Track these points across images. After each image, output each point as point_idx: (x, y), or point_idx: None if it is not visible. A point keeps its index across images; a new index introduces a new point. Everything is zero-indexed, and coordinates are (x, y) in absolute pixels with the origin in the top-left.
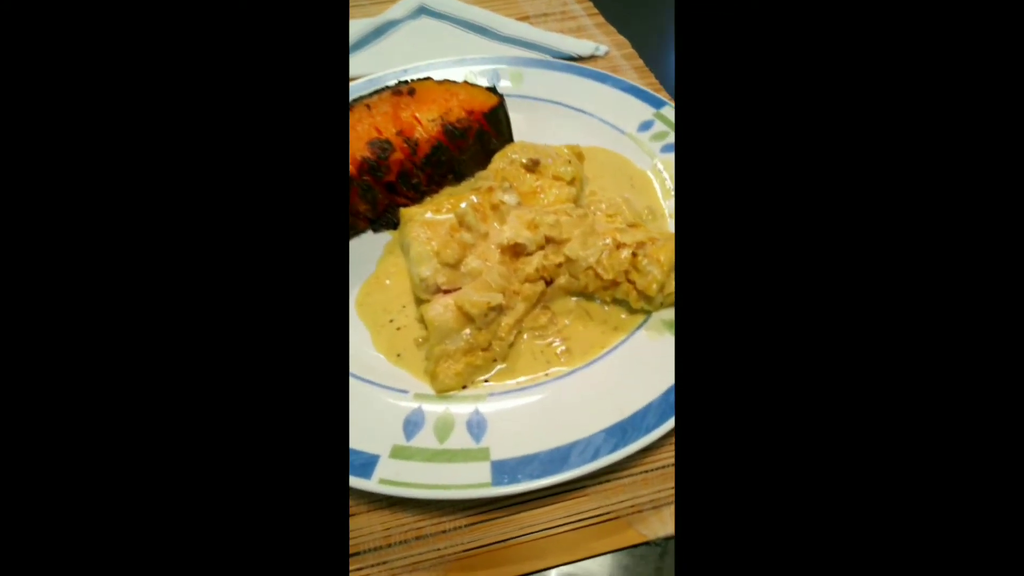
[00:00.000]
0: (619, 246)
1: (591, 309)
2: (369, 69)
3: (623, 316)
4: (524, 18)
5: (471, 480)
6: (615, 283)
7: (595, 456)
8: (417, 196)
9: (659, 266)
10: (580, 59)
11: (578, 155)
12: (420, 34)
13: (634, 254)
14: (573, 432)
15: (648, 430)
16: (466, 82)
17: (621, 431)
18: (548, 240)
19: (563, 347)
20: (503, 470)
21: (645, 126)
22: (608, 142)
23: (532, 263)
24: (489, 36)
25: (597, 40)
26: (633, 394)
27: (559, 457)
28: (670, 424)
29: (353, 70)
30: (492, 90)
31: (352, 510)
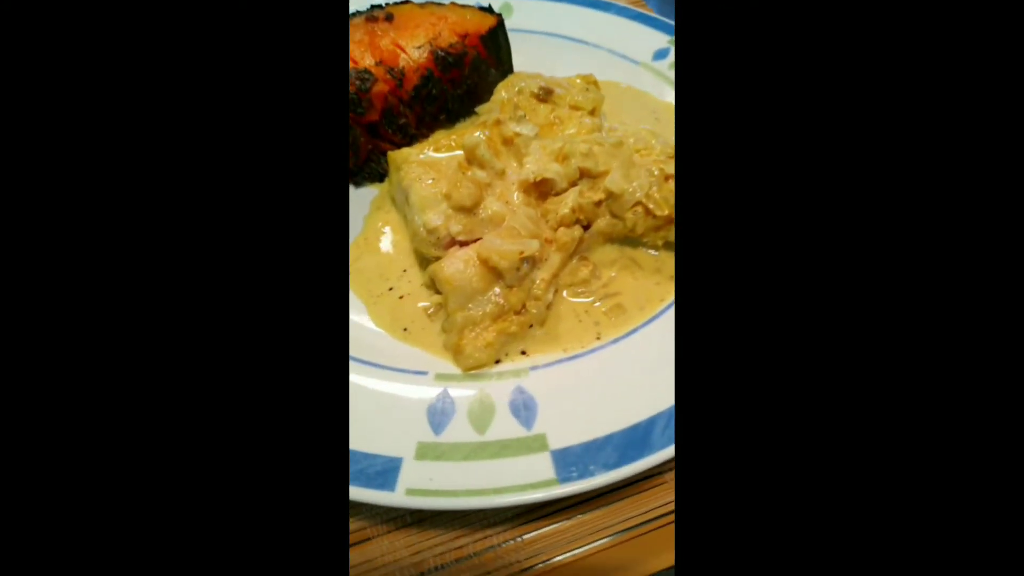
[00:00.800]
0: (668, 177)
1: (638, 257)
2: None
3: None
4: None
5: (529, 478)
6: (670, 220)
7: None
8: (404, 140)
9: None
10: None
11: (593, 83)
12: None
13: (666, 178)
14: (649, 404)
15: None
16: (454, 3)
17: None
18: (582, 174)
19: (612, 303)
20: (568, 461)
21: (660, 54)
22: (620, 75)
23: (566, 202)
24: None
25: None
26: None
27: (638, 438)
28: None
29: None
30: (488, 10)
31: (368, 533)
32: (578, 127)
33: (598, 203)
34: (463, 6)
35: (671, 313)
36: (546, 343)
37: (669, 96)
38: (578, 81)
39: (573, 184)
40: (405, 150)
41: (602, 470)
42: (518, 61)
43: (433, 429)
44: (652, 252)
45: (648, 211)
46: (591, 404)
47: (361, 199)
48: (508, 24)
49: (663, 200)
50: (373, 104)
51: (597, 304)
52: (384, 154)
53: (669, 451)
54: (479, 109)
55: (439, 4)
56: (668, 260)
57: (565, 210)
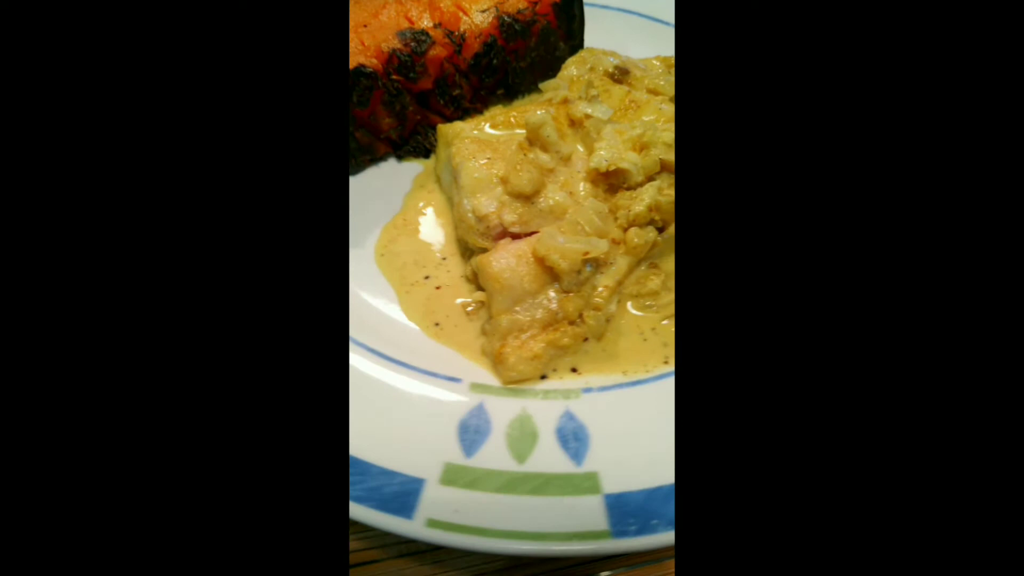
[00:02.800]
0: None
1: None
2: None
3: None
4: None
5: (576, 525)
6: None
7: None
8: (456, 114)
9: None
10: None
11: (672, 67)
12: None
13: None
14: None
15: None
16: None
17: None
18: (663, 167)
19: None
20: (626, 510)
21: None
22: None
23: (642, 198)
24: None
25: None
26: None
27: None
28: None
29: None
30: None
31: (374, 555)
32: (657, 114)
33: None
34: None
35: None
36: (602, 362)
37: None
38: (657, 63)
39: (651, 178)
40: (458, 124)
41: (667, 526)
42: (590, 38)
43: (464, 449)
44: None
45: None
46: (655, 442)
47: (403, 174)
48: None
49: None
50: (427, 70)
51: (666, 322)
52: (433, 127)
53: None
54: (543, 86)
55: None
56: None
57: (640, 207)
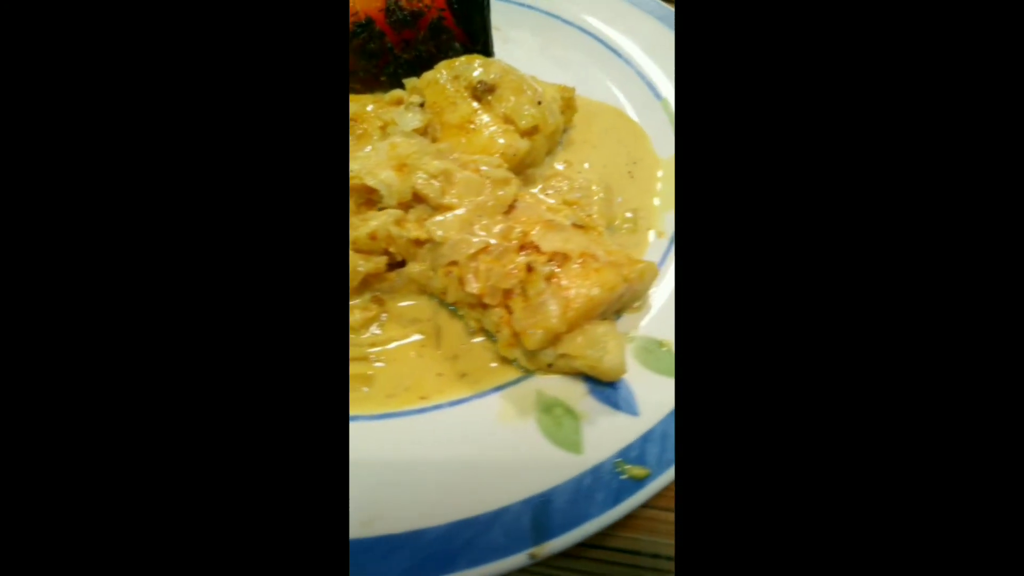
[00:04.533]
0: (523, 247)
1: (448, 329)
2: None
3: (492, 364)
4: None
5: None
6: (482, 304)
7: None
8: None
9: (563, 304)
10: None
11: (567, 102)
12: None
13: (530, 268)
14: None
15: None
16: None
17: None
18: (416, 199)
19: (376, 366)
20: None
21: None
22: (636, 104)
23: (371, 222)
24: None
25: None
26: (423, 501)
27: None
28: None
29: None
30: None
31: None
32: (490, 142)
33: (418, 242)
34: None
35: (416, 423)
36: None
37: (668, 150)
38: (554, 92)
39: (404, 206)
40: None
41: None
42: (530, 49)
43: None
44: (472, 332)
45: (462, 280)
46: None
47: None
48: (541, 3)
49: (485, 274)
50: None
51: (369, 358)
52: None
53: None
54: (407, 82)
55: None
56: (479, 355)
57: (364, 232)
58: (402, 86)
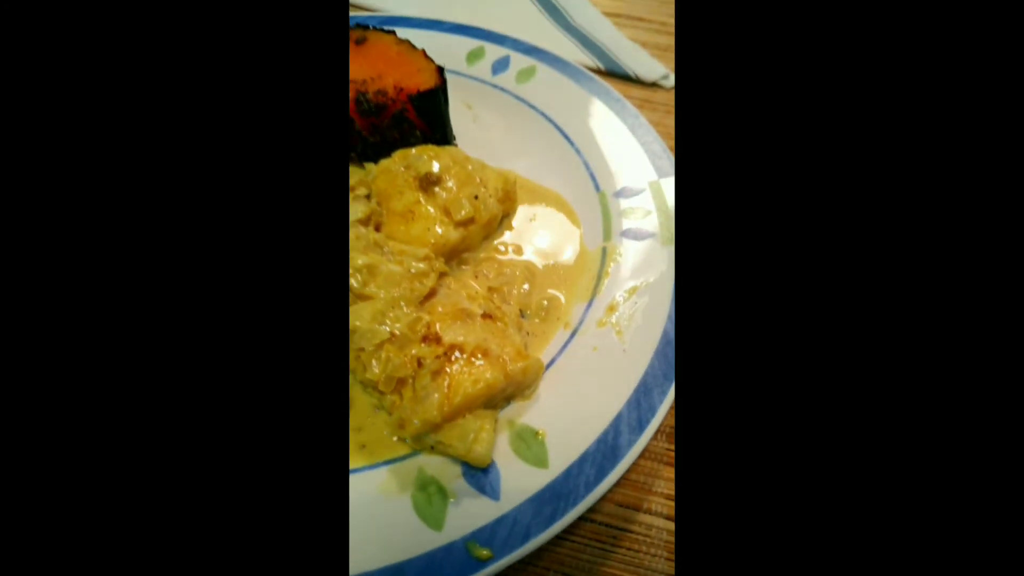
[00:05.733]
0: (427, 338)
1: (358, 401)
2: (403, 6)
3: (394, 438)
4: (614, 15)
5: None
6: (377, 388)
7: None
8: None
9: (442, 398)
10: (639, 81)
11: (507, 194)
12: None
13: (420, 361)
14: None
15: None
16: (423, 53)
17: None
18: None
19: None
20: None
21: (627, 194)
22: (576, 195)
23: None
24: (556, 19)
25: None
26: None
27: None
28: None
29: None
30: (440, 71)
31: None
32: (425, 233)
33: None
34: (426, 57)
35: None
36: None
37: (594, 240)
38: (495, 181)
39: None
40: None
41: None
42: (498, 130)
43: None
44: (374, 404)
45: (364, 365)
46: None
47: None
48: (519, 91)
49: (384, 362)
50: None
51: None
52: None
53: None
54: (368, 166)
55: (412, 47)
56: (380, 425)
57: None
58: (363, 161)
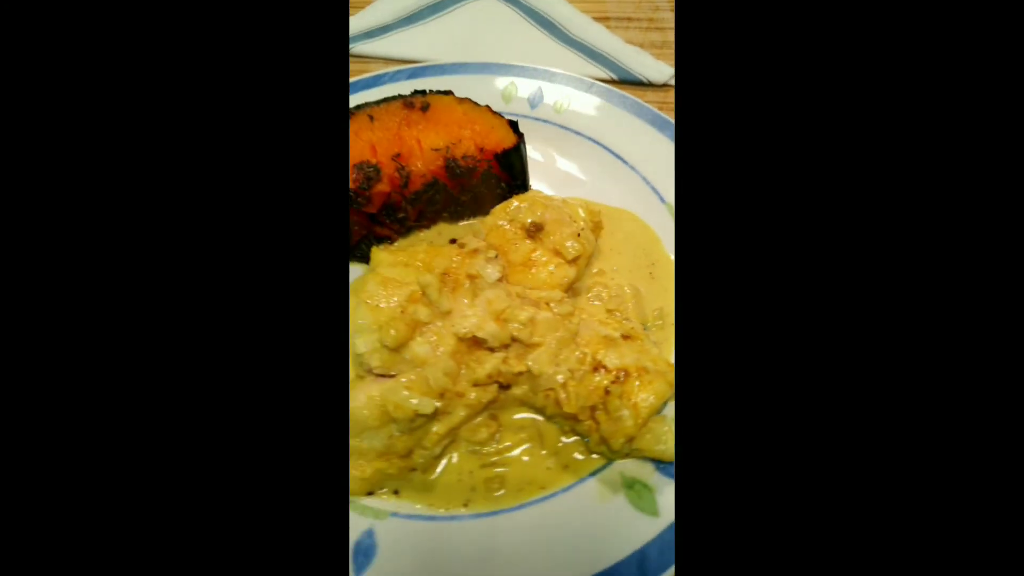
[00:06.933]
0: (596, 368)
1: (547, 432)
2: (413, 48)
3: (578, 455)
4: (603, 19)
5: None
6: (575, 418)
7: None
8: (402, 230)
9: (633, 413)
10: (650, 84)
11: (596, 224)
12: (481, 18)
13: (607, 390)
14: None
15: None
16: (488, 108)
17: None
18: (514, 340)
19: (494, 473)
20: None
21: None
22: (644, 209)
23: (486, 365)
24: (555, 35)
25: None
26: (559, 565)
27: None
28: None
29: (398, 49)
30: (514, 127)
31: None
32: (550, 275)
33: (519, 373)
34: (495, 114)
35: (544, 507)
36: (420, 491)
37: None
38: (582, 215)
39: (505, 346)
40: (384, 253)
41: None
42: (551, 160)
43: None
44: (563, 434)
45: (558, 402)
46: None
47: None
48: (558, 119)
49: (575, 396)
50: (372, 200)
51: (489, 464)
52: (379, 239)
53: None
54: (477, 221)
55: (475, 105)
56: (572, 448)
57: (483, 372)
58: (458, 219)
